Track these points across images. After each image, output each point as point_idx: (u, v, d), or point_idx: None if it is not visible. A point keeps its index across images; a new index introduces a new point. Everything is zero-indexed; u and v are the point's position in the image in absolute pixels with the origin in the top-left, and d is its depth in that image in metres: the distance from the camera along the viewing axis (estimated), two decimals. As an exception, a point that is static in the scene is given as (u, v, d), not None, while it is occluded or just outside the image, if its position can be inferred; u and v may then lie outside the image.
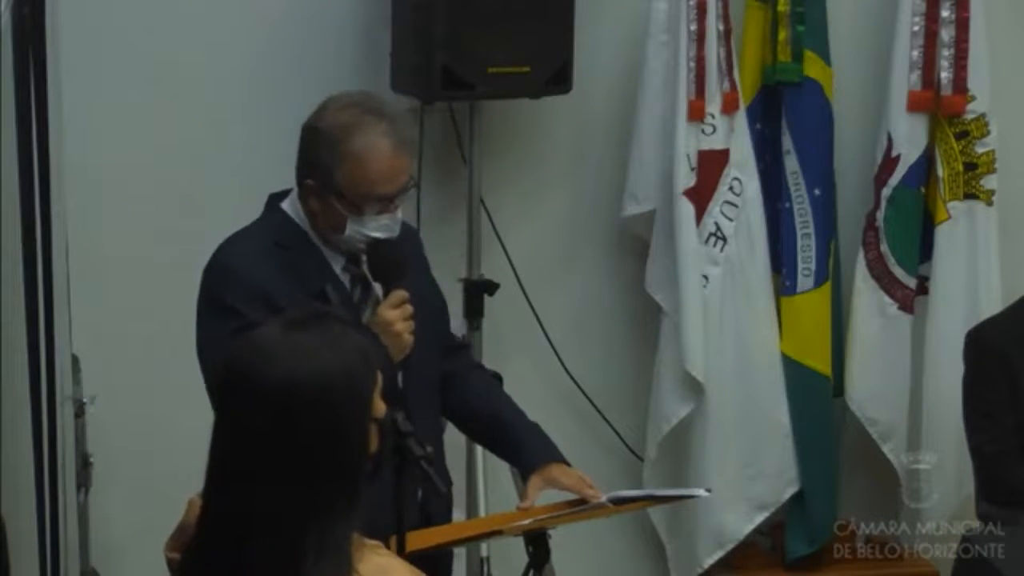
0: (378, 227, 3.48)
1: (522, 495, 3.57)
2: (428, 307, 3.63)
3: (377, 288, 3.54)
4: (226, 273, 3.50)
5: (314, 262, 3.52)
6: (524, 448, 3.62)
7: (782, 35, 4.83)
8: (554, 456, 3.59)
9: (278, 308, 3.26)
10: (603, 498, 3.49)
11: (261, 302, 3.38)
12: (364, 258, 3.54)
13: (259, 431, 2.41)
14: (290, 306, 3.26)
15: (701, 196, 4.77)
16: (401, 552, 3.04)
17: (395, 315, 3.47)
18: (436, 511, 3.56)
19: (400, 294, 3.48)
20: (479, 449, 4.48)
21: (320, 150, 3.46)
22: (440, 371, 3.70)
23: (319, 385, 2.41)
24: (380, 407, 2.51)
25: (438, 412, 3.75)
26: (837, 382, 4.96)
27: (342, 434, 2.42)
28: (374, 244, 3.50)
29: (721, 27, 4.74)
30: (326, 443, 2.41)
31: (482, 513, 4.47)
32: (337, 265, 3.55)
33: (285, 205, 3.57)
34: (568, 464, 3.60)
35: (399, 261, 3.53)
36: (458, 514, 4.46)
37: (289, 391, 2.41)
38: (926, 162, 4.91)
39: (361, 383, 2.46)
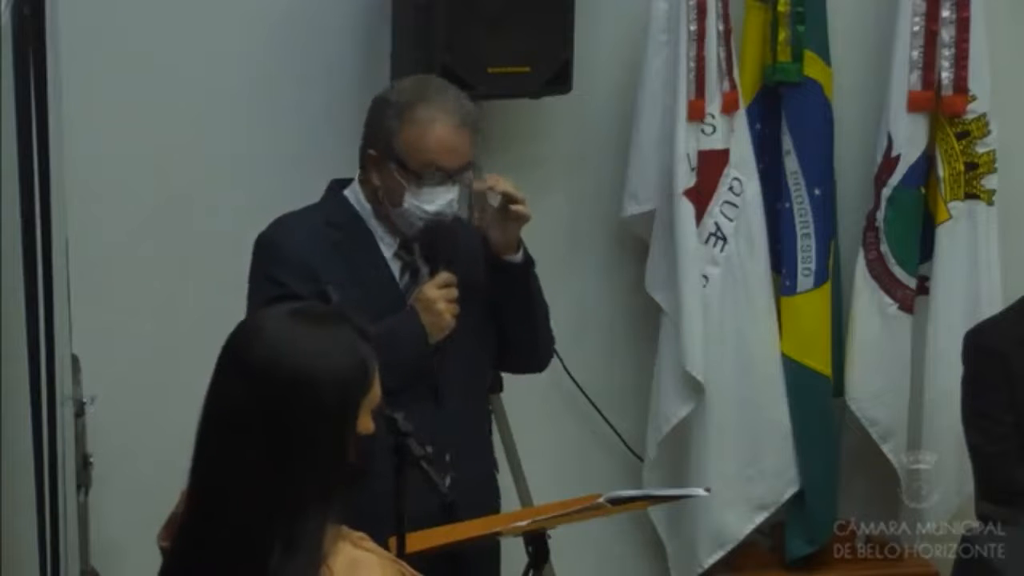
0: (434, 201, 3.53)
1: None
2: (480, 300, 3.65)
3: (425, 271, 3.59)
4: (271, 248, 3.59)
5: (365, 245, 3.58)
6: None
7: (782, 35, 4.83)
8: None
9: (323, 284, 3.38)
10: (602, 498, 3.49)
11: (307, 276, 3.47)
12: (416, 245, 3.59)
13: (233, 406, 2.41)
14: (335, 285, 3.38)
15: (701, 196, 4.77)
16: (401, 553, 3.03)
17: (439, 294, 3.53)
18: (465, 503, 3.39)
19: (446, 276, 3.55)
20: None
21: (385, 118, 3.56)
22: (490, 362, 3.74)
23: (297, 378, 2.39)
24: (366, 425, 2.47)
25: (481, 401, 3.78)
26: (837, 382, 4.95)
27: (311, 433, 2.39)
28: (429, 224, 3.54)
29: (721, 27, 4.74)
30: (294, 436, 2.38)
31: (482, 513, 4.46)
32: (389, 251, 3.61)
33: (347, 191, 3.65)
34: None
35: (451, 245, 3.58)
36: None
37: (267, 373, 2.40)
38: (926, 162, 4.91)
39: (344, 391, 2.42)
